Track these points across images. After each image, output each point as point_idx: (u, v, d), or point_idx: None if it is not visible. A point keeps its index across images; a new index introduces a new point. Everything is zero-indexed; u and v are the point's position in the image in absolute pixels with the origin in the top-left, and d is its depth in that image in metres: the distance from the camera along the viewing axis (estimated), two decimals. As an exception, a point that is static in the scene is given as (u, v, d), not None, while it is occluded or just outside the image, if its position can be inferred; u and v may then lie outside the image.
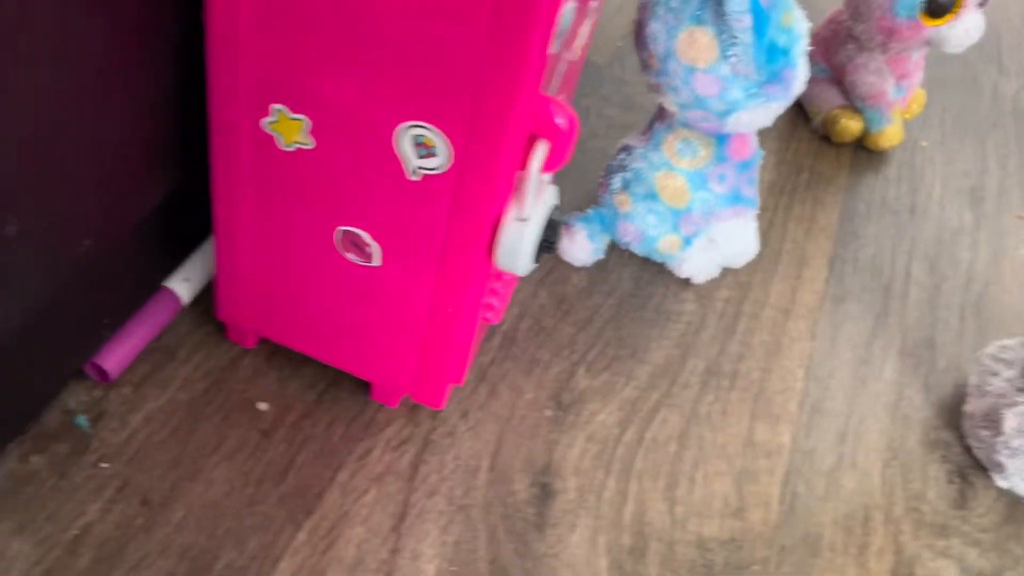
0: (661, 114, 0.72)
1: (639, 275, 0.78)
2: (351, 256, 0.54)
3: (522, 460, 0.63)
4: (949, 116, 1.04)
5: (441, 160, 0.47)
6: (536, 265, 0.53)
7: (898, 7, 0.83)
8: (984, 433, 0.69)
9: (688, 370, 0.71)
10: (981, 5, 0.84)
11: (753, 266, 0.81)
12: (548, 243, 0.53)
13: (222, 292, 0.61)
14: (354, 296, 0.57)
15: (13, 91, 0.40)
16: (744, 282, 0.80)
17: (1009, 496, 0.69)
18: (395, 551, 0.57)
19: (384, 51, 0.44)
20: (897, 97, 0.93)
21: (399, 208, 0.50)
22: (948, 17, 0.83)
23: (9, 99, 0.40)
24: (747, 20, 0.61)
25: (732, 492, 0.64)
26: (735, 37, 0.61)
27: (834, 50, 0.94)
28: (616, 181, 0.75)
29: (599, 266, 0.78)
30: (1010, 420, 0.67)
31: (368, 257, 0.54)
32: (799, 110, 0.97)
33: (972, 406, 0.71)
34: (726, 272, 0.80)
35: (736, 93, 0.64)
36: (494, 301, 0.63)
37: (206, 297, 0.66)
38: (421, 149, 0.47)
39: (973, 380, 0.72)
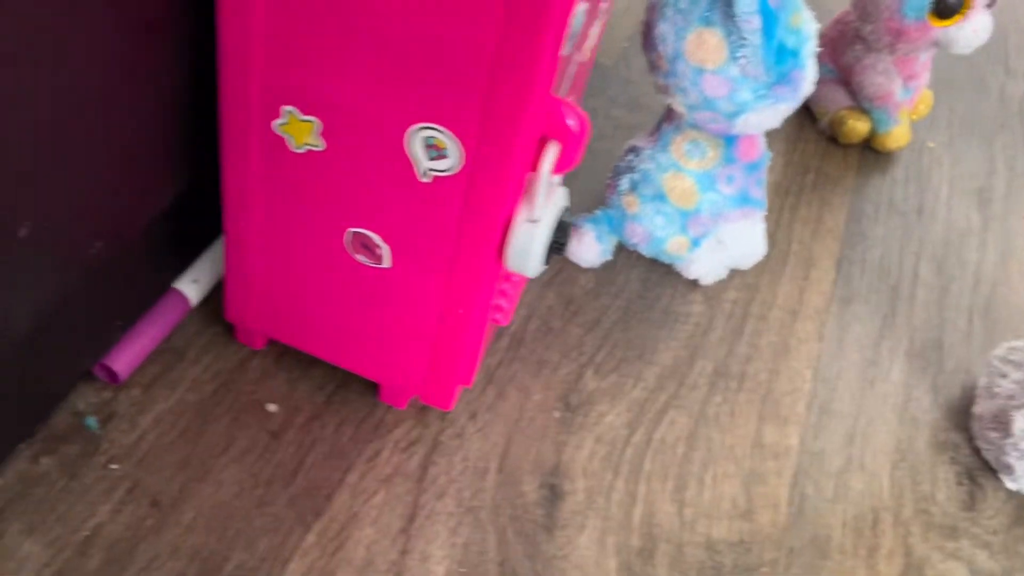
0: (669, 115, 0.72)
1: (647, 276, 0.78)
2: (361, 257, 0.54)
3: (531, 461, 0.63)
4: (956, 117, 1.04)
5: (452, 162, 0.47)
6: (546, 266, 0.53)
7: (906, 8, 0.83)
8: (993, 435, 0.69)
9: (696, 371, 0.71)
10: (989, 6, 0.84)
11: (760, 267, 0.81)
12: (558, 244, 0.52)
13: (231, 293, 0.61)
14: (363, 298, 0.57)
15: (26, 94, 0.40)
16: (752, 283, 0.80)
17: (1018, 498, 0.68)
18: (405, 552, 0.57)
19: (396, 53, 0.44)
20: (904, 98, 0.93)
21: (409, 210, 0.50)
22: (956, 18, 0.83)
23: (23, 102, 0.40)
24: (756, 21, 0.61)
25: (740, 494, 0.64)
26: (744, 38, 0.61)
27: (841, 51, 0.94)
28: (624, 182, 0.75)
29: (607, 267, 0.78)
30: (1019, 422, 0.67)
31: (378, 259, 0.54)
32: (806, 111, 0.97)
33: (981, 408, 0.71)
34: (733, 273, 0.80)
35: (745, 94, 0.64)
36: (503, 302, 0.63)
37: (214, 298, 0.66)
38: (432, 151, 0.47)
39: (982, 382, 0.72)
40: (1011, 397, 0.69)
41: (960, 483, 0.69)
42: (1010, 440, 0.67)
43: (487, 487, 0.61)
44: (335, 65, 0.46)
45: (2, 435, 0.53)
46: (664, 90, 0.69)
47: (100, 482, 0.56)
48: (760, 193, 0.77)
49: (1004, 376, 0.70)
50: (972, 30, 0.83)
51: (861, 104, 0.94)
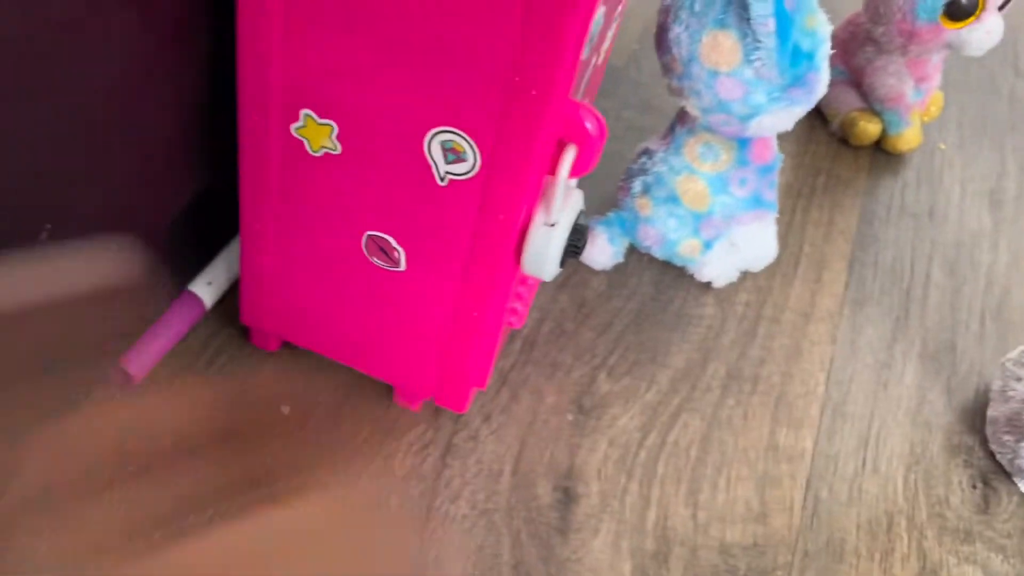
0: (682, 118, 0.72)
1: (659, 279, 0.78)
2: (377, 260, 0.54)
3: (544, 464, 0.63)
4: (967, 119, 1.04)
5: (469, 165, 0.47)
6: (561, 270, 0.53)
7: (919, 10, 0.83)
8: (1008, 438, 0.69)
9: (709, 374, 0.71)
10: (1001, 8, 0.84)
11: (772, 270, 0.81)
12: (575, 248, 0.52)
13: (247, 296, 0.61)
14: (378, 300, 0.57)
15: (50, 98, 0.40)
16: (764, 286, 0.79)
17: (1032, 501, 0.68)
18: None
19: (415, 57, 0.44)
20: (916, 100, 0.93)
21: (426, 213, 0.50)
22: (969, 20, 0.83)
23: (47, 105, 0.40)
24: (771, 24, 0.61)
25: (754, 497, 0.64)
26: (759, 41, 0.61)
27: (852, 52, 0.94)
28: (636, 185, 0.75)
29: (618, 270, 0.78)
30: (1034, 425, 0.67)
31: (394, 262, 0.54)
32: (816, 113, 0.97)
33: (995, 411, 0.71)
34: (745, 276, 0.80)
35: (759, 97, 0.64)
36: (518, 305, 0.63)
37: (228, 300, 0.66)
38: (450, 155, 0.47)
39: (996, 385, 0.72)
40: (1025, 400, 0.69)
41: (974, 486, 0.68)
42: (1025, 443, 0.67)
43: (501, 490, 0.61)
44: (353, 69, 0.46)
45: (19, 437, 0.53)
46: (678, 93, 0.69)
47: (116, 484, 0.56)
48: (772, 195, 0.77)
49: (1019, 379, 0.70)
50: (985, 32, 0.83)
51: (872, 106, 0.94)
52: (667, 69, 0.68)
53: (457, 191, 0.49)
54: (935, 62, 0.91)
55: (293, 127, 0.49)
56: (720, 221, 0.75)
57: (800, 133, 0.96)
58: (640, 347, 0.72)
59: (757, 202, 0.76)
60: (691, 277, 0.78)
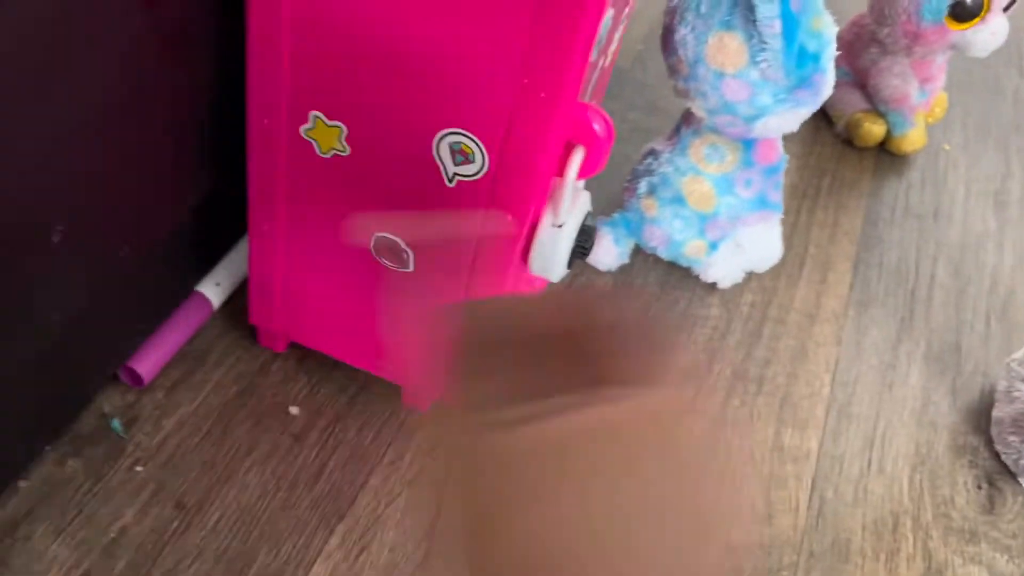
0: (688, 119, 0.73)
1: (664, 280, 0.78)
2: (385, 261, 0.55)
3: (551, 464, 0.63)
4: (971, 120, 1.04)
5: (477, 166, 0.48)
6: (569, 270, 0.53)
7: (924, 11, 0.83)
8: (1013, 439, 0.69)
9: (714, 375, 0.72)
10: (1006, 9, 0.84)
11: (777, 271, 0.81)
12: (582, 249, 0.53)
13: (255, 297, 0.61)
14: (387, 301, 0.57)
15: (63, 103, 0.40)
16: (769, 287, 0.80)
17: (1038, 502, 0.68)
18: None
19: (425, 59, 0.44)
20: (920, 101, 0.93)
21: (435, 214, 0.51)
22: (974, 21, 0.83)
23: (60, 111, 0.40)
24: (777, 25, 0.61)
25: (760, 498, 0.64)
26: (765, 42, 0.61)
27: (857, 54, 0.94)
28: (642, 185, 0.75)
29: (624, 270, 0.78)
30: (1039, 426, 0.67)
31: (403, 262, 0.54)
32: (821, 114, 0.97)
33: (1000, 412, 0.71)
34: (750, 277, 0.80)
35: (765, 98, 0.64)
36: (524, 306, 0.63)
37: (235, 301, 0.66)
38: (458, 156, 0.47)
39: (1001, 385, 0.72)
40: (1031, 401, 0.69)
41: (979, 487, 0.69)
42: (1030, 444, 0.67)
43: (508, 490, 0.61)
44: (363, 71, 0.46)
45: (30, 438, 0.54)
46: (684, 94, 0.69)
47: (125, 484, 0.56)
48: (777, 196, 0.77)
49: (1024, 380, 0.70)
50: (990, 33, 0.83)
51: (877, 107, 0.94)
52: (673, 70, 0.68)
53: (465, 192, 0.49)
54: (939, 63, 0.92)
55: (302, 129, 0.50)
56: (726, 222, 0.75)
57: (805, 134, 0.96)
58: (646, 348, 0.72)
59: (762, 203, 0.76)
60: (696, 278, 0.78)
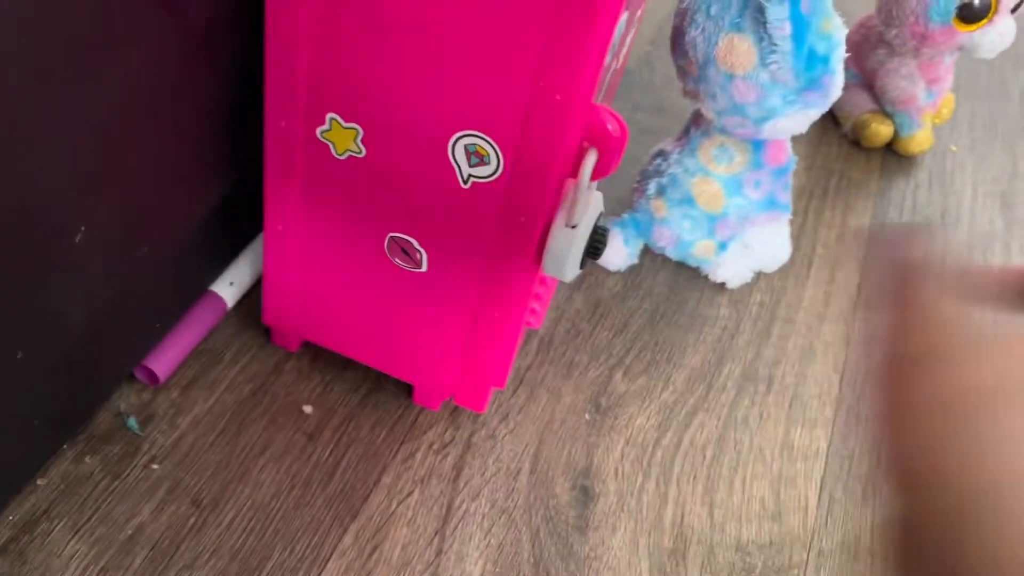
0: (697, 120, 0.73)
1: (673, 280, 0.78)
2: (399, 261, 0.55)
3: (562, 463, 0.64)
4: (978, 121, 1.04)
5: (492, 168, 0.48)
6: (581, 271, 0.54)
7: (932, 12, 0.83)
8: (1021, 438, 0.69)
9: (724, 375, 0.72)
10: (1014, 10, 0.84)
11: (786, 271, 0.81)
12: (594, 249, 0.53)
13: (269, 297, 0.62)
14: (400, 301, 0.57)
15: (86, 103, 0.41)
16: (778, 287, 0.80)
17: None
18: (440, 553, 0.57)
19: (441, 62, 0.45)
20: (928, 102, 0.93)
21: (449, 215, 0.51)
22: (982, 23, 0.83)
23: (83, 111, 0.41)
24: (787, 28, 0.61)
25: (770, 496, 0.65)
26: (775, 44, 0.62)
27: (865, 55, 0.94)
28: (652, 186, 0.75)
29: (633, 271, 0.78)
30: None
31: (416, 263, 0.55)
32: (829, 115, 0.98)
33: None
34: (759, 277, 0.80)
35: (774, 100, 0.65)
36: (536, 306, 0.64)
37: (249, 301, 0.67)
38: (473, 158, 0.48)
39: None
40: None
41: (988, 486, 0.69)
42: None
43: (520, 488, 0.62)
44: (379, 73, 0.47)
45: (48, 436, 0.54)
46: (693, 95, 0.69)
47: (142, 482, 0.57)
48: (786, 197, 0.77)
49: (1032, 380, 0.70)
50: (998, 34, 0.83)
51: (884, 108, 0.95)
52: (683, 72, 0.69)
53: (480, 193, 0.49)
54: (947, 64, 0.92)
55: (319, 130, 0.50)
56: (735, 222, 0.75)
57: (812, 135, 0.96)
58: (656, 347, 0.73)
59: (771, 204, 0.76)
60: (705, 278, 0.79)
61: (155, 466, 0.58)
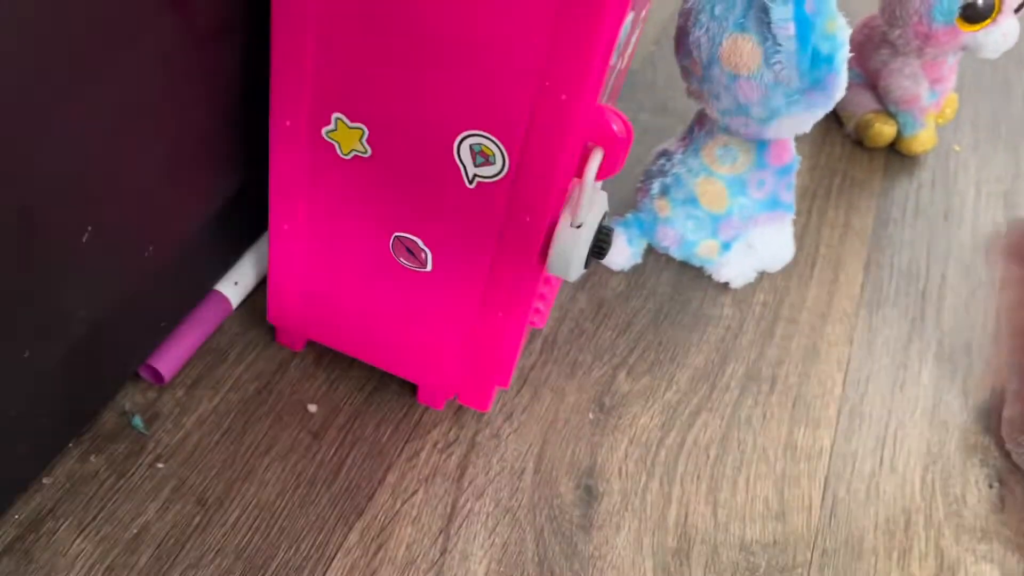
0: (701, 120, 0.73)
1: (677, 280, 0.79)
2: (404, 261, 0.55)
3: (566, 463, 0.64)
4: (982, 121, 1.04)
5: (498, 168, 0.48)
6: (585, 271, 0.54)
7: (935, 12, 0.83)
8: (1024, 438, 0.69)
9: (728, 374, 0.72)
10: (1017, 10, 0.84)
11: (789, 271, 0.81)
12: (599, 248, 0.53)
13: (274, 296, 0.62)
14: (404, 300, 0.58)
15: (96, 103, 0.41)
16: (781, 287, 0.80)
17: (1049, 501, 0.69)
18: (445, 551, 0.58)
19: (447, 62, 0.45)
20: (931, 101, 0.93)
21: (454, 215, 0.51)
22: (986, 23, 0.83)
23: (93, 110, 0.41)
24: (791, 28, 0.61)
25: (773, 495, 0.65)
26: (779, 45, 0.62)
27: (868, 55, 0.94)
28: (655, 186, 0.75)
29: (637, 270, 0.78)
30: (1051, 425, 0.67)
31: (421, 263, 0.55)
32: (832, 115, 0.98)
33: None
34: (762, 276, 0.80)
35: (778, 100, 0.65)
36: (540, 305, 0.64)
37: (253, 300, 0.67)
38: (479, 157, 0.48)
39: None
40: (1042, 400, 0.69)
41: (991, 486, 0.69)
42: (1041, 443, 0.68)
43: (524, 487, 0.62)
44: (385, 73, 0.47)
45: (53, 434, 0.55)
46: (697, 96, 0.69)
47: (147, 481, 0.57)
48: (790, 197, 0.78)
49: (1035, 380, 0.71)
50: (1001, 34, 0.83)
51: (887, 108, 0.95)
52: (686, 72, 0.69)
53: (485, 193, 0.50)
54: (950, 64, 0.92)
55: (324, 130, 0.50)
56: (738, 222, 0.75)
57: (815, 135, 0.96)
58: (659, 347, 0.73)
59: (774, 203, 0.76)
60: (709, 278, 0.79)
61: (160, 465, 0.58)
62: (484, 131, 0.47)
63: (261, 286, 0.68)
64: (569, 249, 0.51)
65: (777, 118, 0.66)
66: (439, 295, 0.56)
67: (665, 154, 0.76)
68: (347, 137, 0.50)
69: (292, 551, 0.56)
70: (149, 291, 0.55)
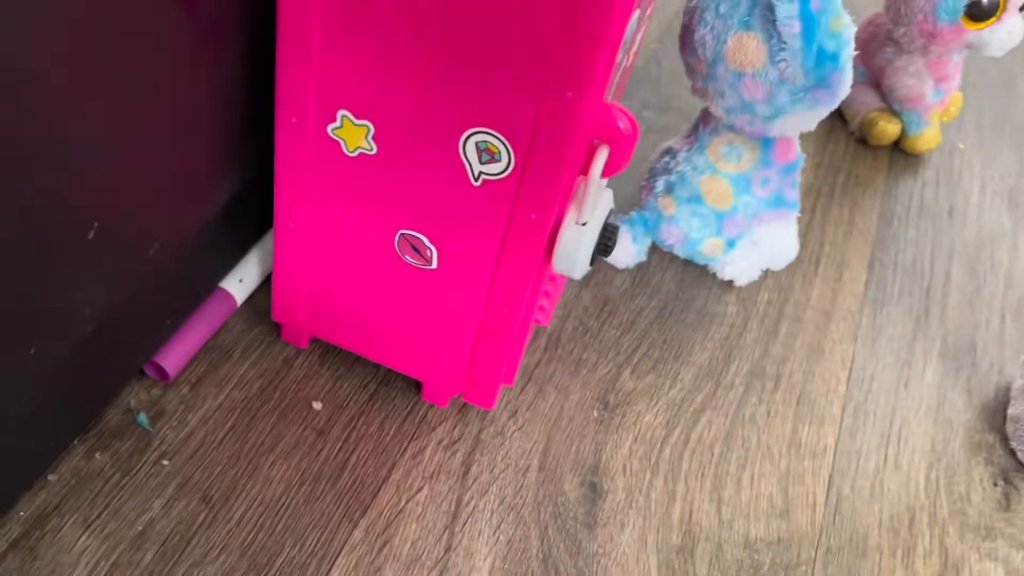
0: (706, 118, 0.73)
1: (681, 277, 0.79)
2: (409, 259, 0.55)
3: (571, 460, 0.64)
4: (986, 119, 1.04)
5: (503, 165, 0.48)
6: (590, 268, 0.54)
7: (940, 11, 0.83)
8: (1029, 436, 0.69)
9: (732, 372, 0.72)
10: (1022, 8, 0.84)
11: (793, 269, 0.81)
12: (604, 246, 0.53)
13: (279, 293, 0.62)
14: (409, 298, 0.58)
15: (102, 100, 0.41)
16: (785, 285, 0.80)
17: (1054, 499, 0.69)
18: (449, 549, 0.58)
19: (453, 59, 0.45)
20: (935, 100, 0.93)
21: (460, 212, 0.51)
22: (990, 21, 0.83)
23: (99, 107, 0.41)
24: (797, 26, 0.61)
25: (778, 493, 0.65)
26: (784, 43, 0.62)
27: (872, 53, 0.94)
28: (660, 184, 0.75)
29: (641, 268, 0.78)
30: (1056, 423, 0.67)
31: (426, 260, 0.55)
32: (836, 113, 0.98)
33: (1016, 409, 0.71)
34: (766, 274, 0.80)
35: (783, 98, 0.65)
36: (545, 303, 0.64)
37: (258, 297, 0.67)
38: (484, 155, 0.48)
39: (1017, 384, 0.72)
40: (1047, 399, 0.69)
41: (995, 484, 0.69)
42: (1046, 441, 0.68)
43: (528, 485, 0.62)
44: (391, 71, 0.47)
45: (59, 431, 0.55)
46: (702, 93, 0.69)
47: (152, 478, 0.57)
48: (794, 195, 0.77)
49: (1040, 378, 0.70)
50: (1006, 32, 0.83)
51: (892, 106, 0.95)
52: (691, 70, 0.69)
53: (490, 191, 0.50)
54: (955, 62, 0.92)
55: (330, 127, 0.50)
56: (743, 220, 0.75)
57: (820, 133, 0.96)
58: (663, 345, 0.73)
59: (779, 201, 0.76)
60: (713, 276, 0.79)
61: (165, 462, 0.58)
62: (490, 128, 0.47)
63: (266, 283, 0.68)
64: (574, 247, 0.51)
65: (782, 116, 0.66)
66: (444, 292, 0.56)
67: (669, 152, 0.76)
68: (353, 134, 0.50)
69: (297, 548, 0.56)
70: (154, 288, 0.55)
